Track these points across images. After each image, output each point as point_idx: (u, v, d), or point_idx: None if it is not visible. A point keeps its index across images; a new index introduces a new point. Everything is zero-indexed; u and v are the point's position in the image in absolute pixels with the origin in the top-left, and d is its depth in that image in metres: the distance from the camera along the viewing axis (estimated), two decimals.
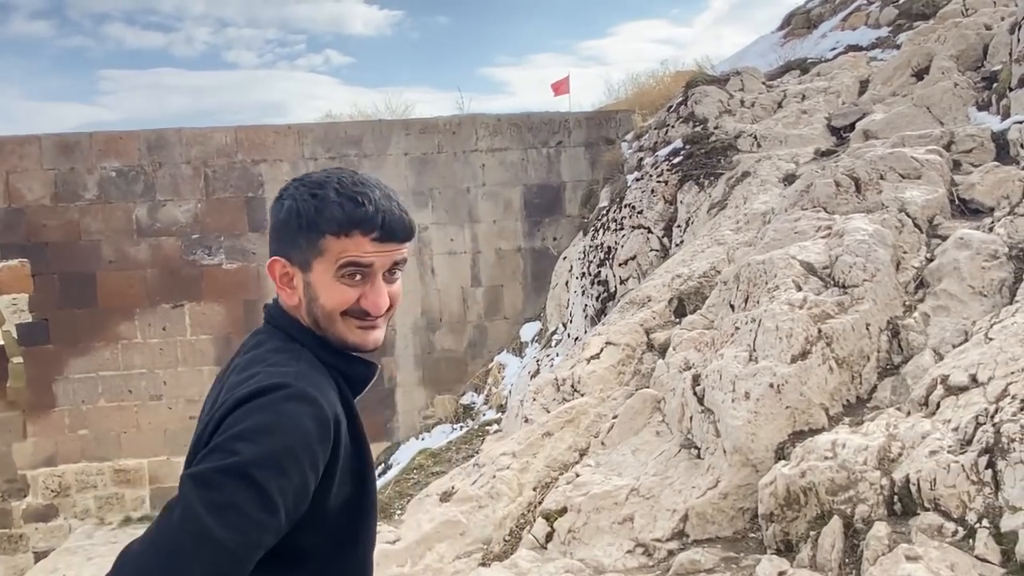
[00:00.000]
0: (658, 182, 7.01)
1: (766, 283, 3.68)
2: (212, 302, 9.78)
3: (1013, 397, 2.42)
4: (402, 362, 9.91)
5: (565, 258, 9.17)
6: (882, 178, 4.37)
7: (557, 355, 7.45)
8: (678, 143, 7.30)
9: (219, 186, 9.72)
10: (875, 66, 7.76)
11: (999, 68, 5.80)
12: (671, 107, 8.22)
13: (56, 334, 9.40)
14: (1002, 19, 6.54)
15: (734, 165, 6.42)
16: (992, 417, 2.38)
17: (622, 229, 7.15)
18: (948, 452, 2.37)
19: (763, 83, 8.07)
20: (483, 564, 3.06)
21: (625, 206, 7.30)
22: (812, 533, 2.48)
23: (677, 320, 4.61)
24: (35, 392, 9.40)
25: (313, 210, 1.31)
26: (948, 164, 4.48)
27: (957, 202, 4.18)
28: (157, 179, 9.62)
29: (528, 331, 9.57)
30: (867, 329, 3.23)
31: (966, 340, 3.04)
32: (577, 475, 3.39)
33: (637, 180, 7.41)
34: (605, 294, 7.11)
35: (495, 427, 5.41)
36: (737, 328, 3.36)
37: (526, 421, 4.12)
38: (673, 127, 7.78)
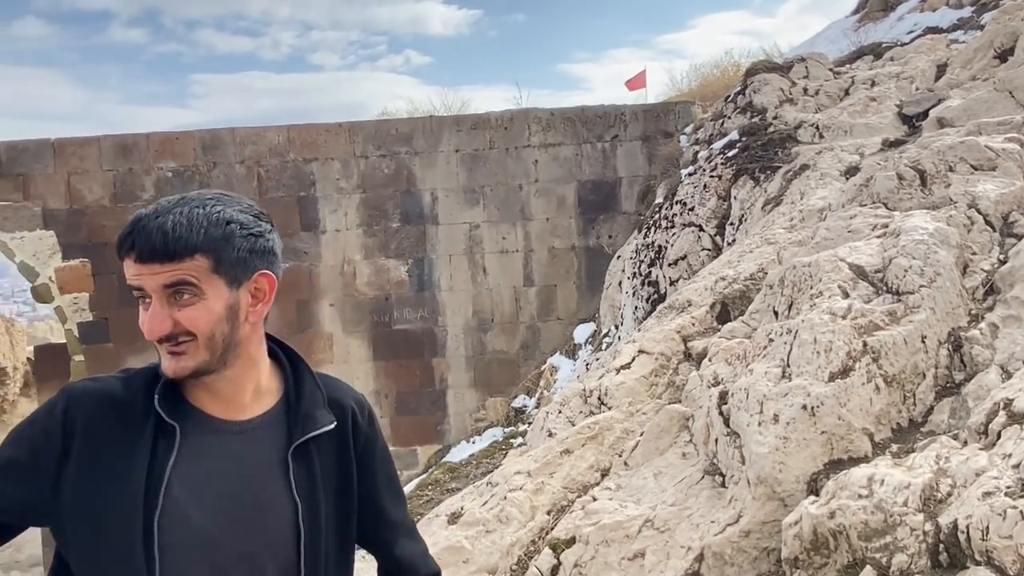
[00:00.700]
0: (711, 177, 6.61)
1: (810, 288, 3.31)
2: None
3: None
4: (453, 363, 9.73)
5: (619, 257, 8.82)
6: (951, 170, 3.92)
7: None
8: (734, 135, 6.87)
9: (272, 185, 9.73)
10: (954, 49, 7.16)
11: None
12: (728, 97, 7.78)
13: (115, 333, 9.57)
14: None
15: (792, 158, 5.98)
16: None
17: (673, 227, 6.78)
18: (1006, 495, 1.99)
19: (830, 69, 7.55)
20: None
21: (677, 203, 6.92)
22: None
23: (719, 327, 4.25)
24: None
25: (120, 237, 1.31)
26: None
27: None
28: (212, 179, 9.69)
29: (582, 333, 9.26)
30: (923, 342, 2.84)
31: None
32: (594, 499, 3.10)
33: (690, 175, 7.02)
34: (655, 296, 6.76)
35: (519, 440, 5.14)
36: (771, 340, 3.01)
37: (550, 435, 3.84)
38: (729, 118, 7.35)
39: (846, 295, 3.08)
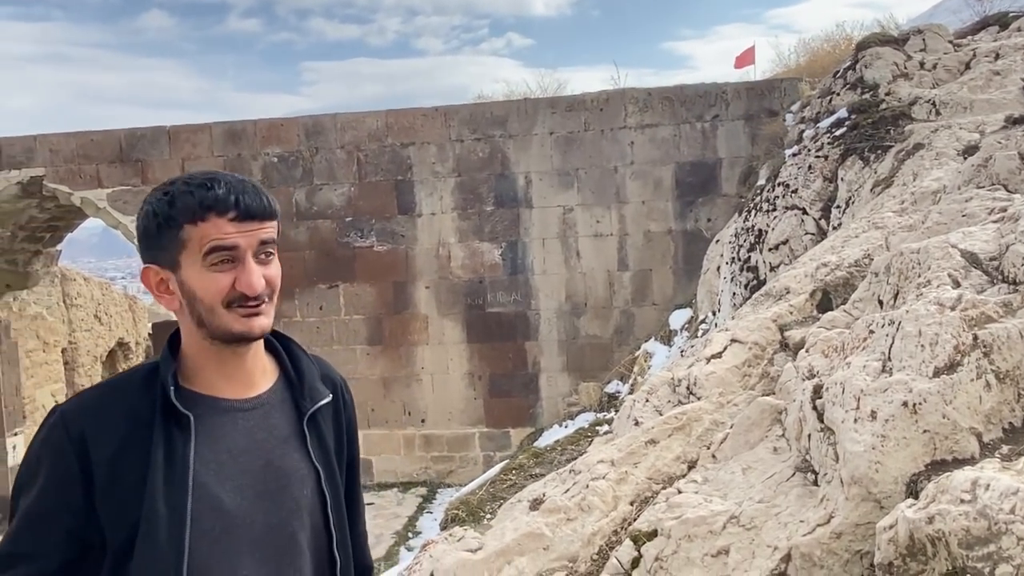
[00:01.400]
0: (817, 157, 6.31)
1: (917, 277, 3.10)
2: (364, 283, 10.05)
3: None
4: (546, 347, 9.72)
5: (718, 241, 8.57)
6: None
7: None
8: (842, 112, 6.53)
9: (370, 170, 9.93)
10: None
11: None
12: (838, 72, 7.40)
13: None
14: None
15: (905, 136, 5.63)
16: None
17: (774, 210, 6.51)
18: None
19: (949, 42, 7.06)
20: None
21: (779, 184, 6.64)
22: None
23: (819, 316, 4.06)
24: None
25: (166, 205, 1.31)
26: None
27: None
28: (314, 164, 9.97)
29: (678, 318, 9.06)
30: None
31: None
32: (679, 491, 3.01)
33: (794, 155, 6.72)
34: (754, 281, 6.52)
35: (606, 428, 5.07)
36: (871, 331, 2.84)
37: (636, 424, 3.76)
38: (838, 95, 6.99)
39: (956, 284, 2.87)
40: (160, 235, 1.31)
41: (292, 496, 1.39)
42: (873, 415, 2.46)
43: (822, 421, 2.72)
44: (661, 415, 3.68)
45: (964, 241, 3.10)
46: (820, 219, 6.10)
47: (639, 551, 2.73)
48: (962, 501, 2.03)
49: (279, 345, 1.51)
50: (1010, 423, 2.52)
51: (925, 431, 2.42)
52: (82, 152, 10.10)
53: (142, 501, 1.25)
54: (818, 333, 3.56)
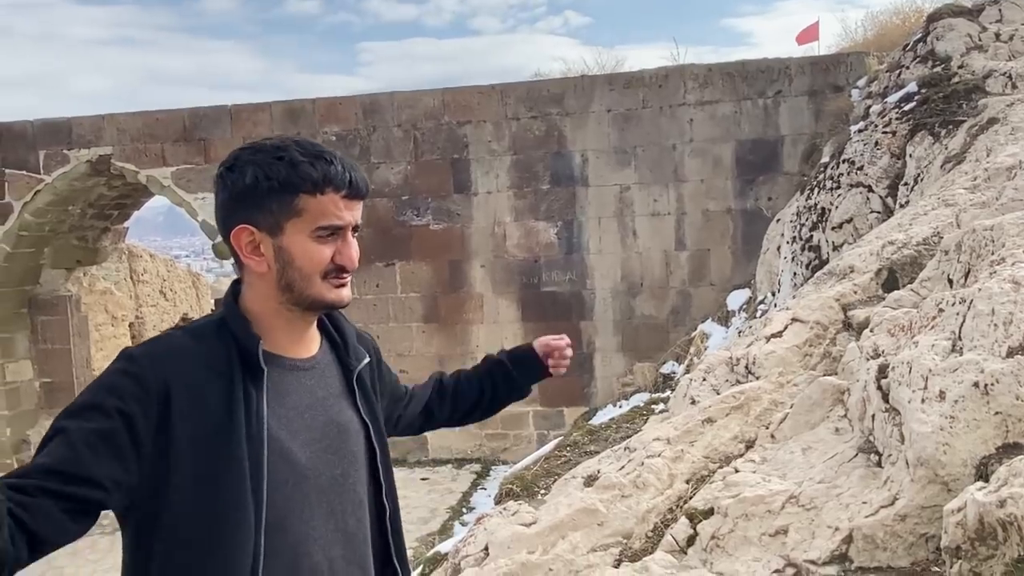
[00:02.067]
0: (884, 133, 6.10)
1: (991, 254, 2.99)
2: (420, 261, 10.12)
3: None
4: (601, 326, 9.67)
5: (779, 220, 8.38)
6: None
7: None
8: (911, 87, 6.30)
9: (427, 148, 9.96)
10: None
11: None
12: (907, 46, 7.13)
13: None
14: None
15: (979, 111, 5.41)
16: None
17: (839, 188, 6.33)
18: None
19: None
20: (616, 562, 2.76)
21: (844, 161, 6.45)
22: None
23: (884, 296, 3.94)
24: None
25: (284, 171, 1.33)
26: None
27: None
28: (372, 142, 10.05)
29: (736, 299, 8.91)
30: None
31: None
32: (736, 471, 2.97)
33: (860, 131, 6.52)
34: (816, 261, 6.37)
35: (661, 407, 5.02)
36: (941, 310, 2.74)
37: (692, 403, 3.72)
38: (908, 68, 6.74)
39: None
40: (268, 198, 1.33)
41: (350, 449, 1.48)
42: (942, 396, 2.38)
43: (887, 401, 2.64)
44: (718, 394, 3.62)
45: None
46: (886, 197, 5.91)
47: (695, 529, 2.70)
48: None
49: None
50: None
51: (997, 413, 2.33)
52: (148, 131, 10.37)
53: (210, 451, 1.28)
54: (884, 312, 3.46)
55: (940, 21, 6.83)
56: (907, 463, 2.40)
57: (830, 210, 6.35)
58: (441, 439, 10.13)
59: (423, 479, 9.75)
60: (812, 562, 2.35)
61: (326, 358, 1.52)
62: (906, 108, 6.17)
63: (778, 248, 7.93)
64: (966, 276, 3.18)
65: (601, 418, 8.00)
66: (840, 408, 3.06)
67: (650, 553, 2.81)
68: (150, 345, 1.34)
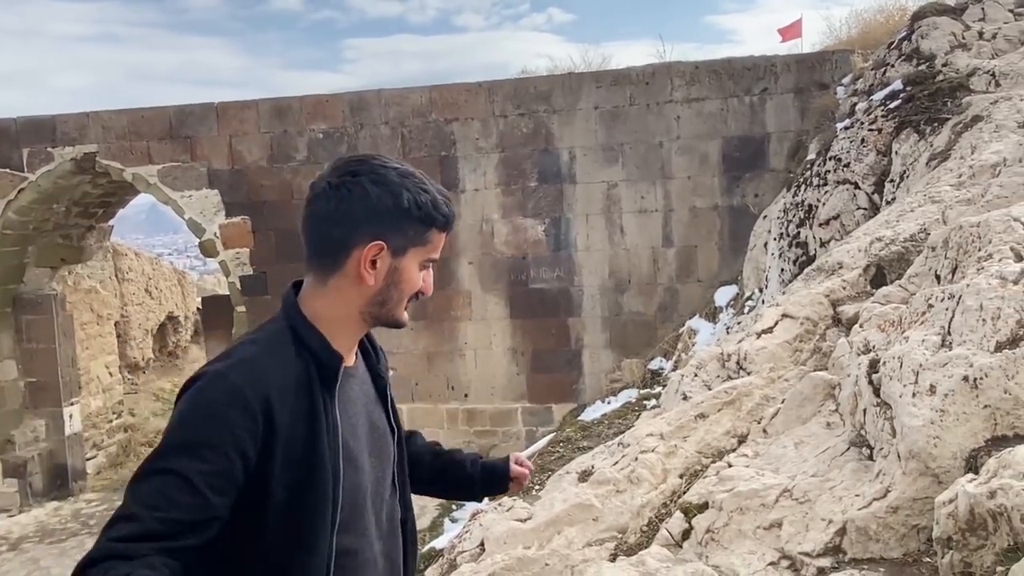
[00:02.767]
0: (870, 130, 6.17)
1: (977, 251, 3.04)
2: None
3: None
4: (589, 323, 9.71)
5: (765, 217, 8.45)
6: None
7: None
8: (897, 84, 6.37)
9: (415, 145, 9.95)
10: None
11: None
12: (892, 44, 7.21)
13: (273, 286, 10.17)
14: None
15: (963, 108, 5.48)
16: None
17: (825, 185, 6.40)
18: None
19: (1010, 11, 6.82)
20: (612, 557, 2.79)
21: (830, 159, 6.51)
22: (1000, 569, 1.97)
23: (873, 292, 3.99)
24: None
25: (431, 205, 1.44)
26: None
27: None
28: (359, 140, 10.03)
29: (723, 295, 8.98)
30: None
31: None
32: (729, 465, 3.01)
33: (846, 129, 6.58)
34: (804, 257, 6.43)
35: (653, 402, 5.05)
36: (930, 306, 2.79)
37: (684, 398, 3.75)
38: (893, 66, 6.81)
39: (1019, 258, 2.80)
40: (408, 224, 1.43)
41: (387, 452, 1.58)
42: (932, 389, 2.42)
43: (878, 396, 2.68)
44: (710, 390, 3.66)
45: None
46: (873, 193, 5.98)
47: (690, 523, 2.74)
48: None
49: None
50: None
51: (986, 406, 2.37)
52: (133, 129, 10.29)
53: (300, 463, 1.35)
54: (873, 308, 3.51)
55: (924, 19, 6.91)
56: (898, 456, 2.44)
57: (817, 207, 6.41)
58: (430, 436, 10.08)
59: None
60: (806, 554, 2.39)
61: (361, 365, 1.60)
62: (891, 106, 6.24)
63: (765, 244, 7.99)
64: (953, 272, 3.23)
65: (591, 414, 8.04)
66: (831, 403, 3.11)
67: (645, 547, 2.84)
68: (240, 367, 1.34)
